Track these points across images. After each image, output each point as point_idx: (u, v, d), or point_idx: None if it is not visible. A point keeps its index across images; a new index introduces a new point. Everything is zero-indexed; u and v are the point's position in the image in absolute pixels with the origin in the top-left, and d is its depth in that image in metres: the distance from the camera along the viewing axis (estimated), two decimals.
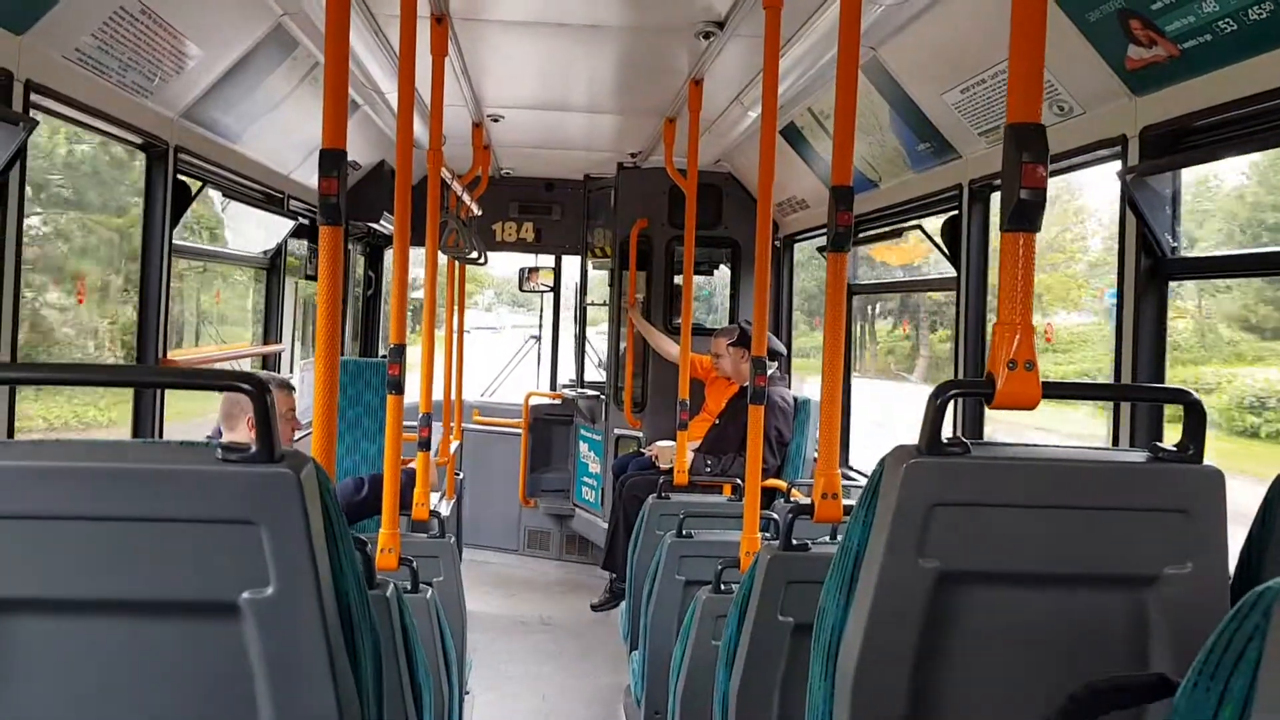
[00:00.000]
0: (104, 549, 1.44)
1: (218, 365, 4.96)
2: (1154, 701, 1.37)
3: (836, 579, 1.83)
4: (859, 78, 3.15)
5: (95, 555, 1.44)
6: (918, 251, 5.72)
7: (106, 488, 1.42)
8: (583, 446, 7.95)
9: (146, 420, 3.80)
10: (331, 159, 2.26)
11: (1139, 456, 1.77)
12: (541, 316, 9.20)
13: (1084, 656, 1.74)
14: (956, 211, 4.17)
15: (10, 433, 2.84)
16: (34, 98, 2.81)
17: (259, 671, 1.48)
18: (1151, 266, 3.04)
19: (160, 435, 3.85)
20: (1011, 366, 1.71)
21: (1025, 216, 1.71)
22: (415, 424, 4.32)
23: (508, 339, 10.88)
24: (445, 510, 5.07)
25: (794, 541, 2.65)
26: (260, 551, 1.44)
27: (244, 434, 3.60)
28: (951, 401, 1.76)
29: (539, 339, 9.24)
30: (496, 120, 6.07)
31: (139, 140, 3.63)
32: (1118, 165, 3.07)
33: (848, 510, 2.72)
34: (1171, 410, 3.01)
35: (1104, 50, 2.95)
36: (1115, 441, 3.10)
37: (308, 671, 1.47)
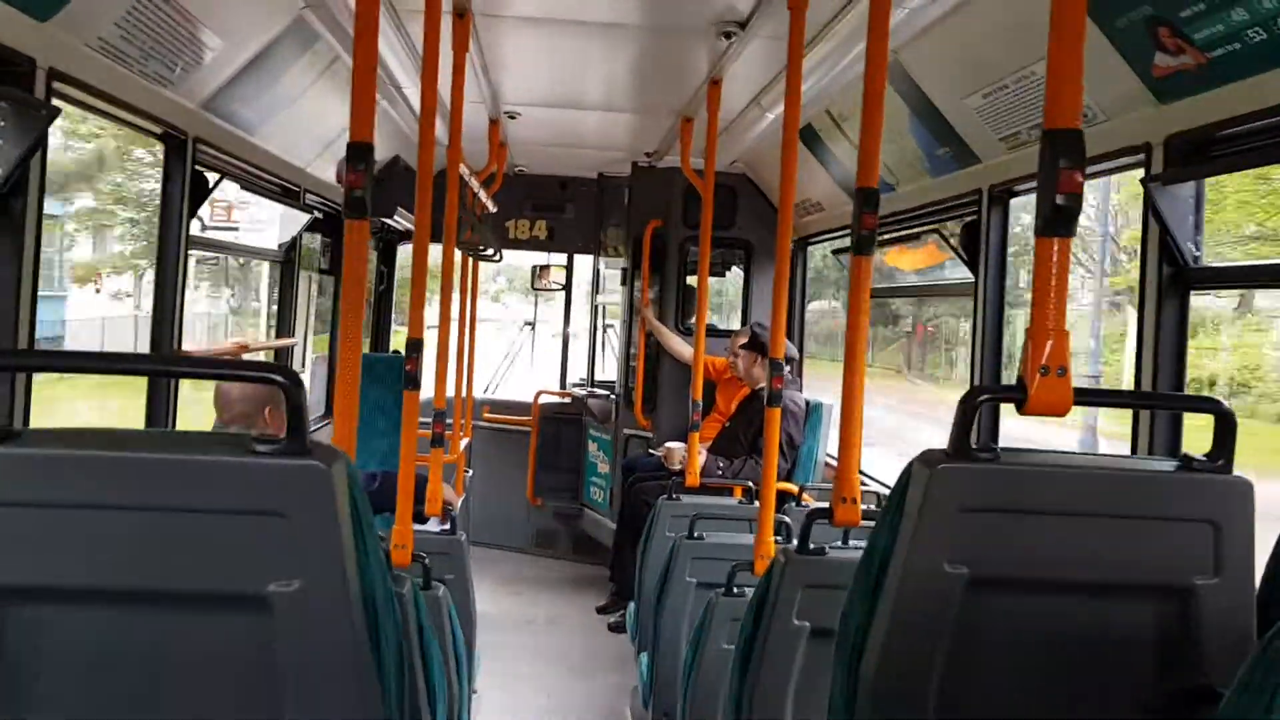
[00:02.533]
0: (132, 539, 1.43)
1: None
2: (1167, 712, 1.36)
3: (861, 583, 1.82)
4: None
5: (123, 545, 1.44)
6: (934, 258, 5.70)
7: (136, 477, 1.42)
8: (591, 446, 7.95)
9: (160, 412, 3.80)
10: (359, 152, 2.25)
11: (1169, 465, 1.75)
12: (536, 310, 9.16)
13: (1111, 666, 1.73)
14: (975, 217, 4.15)
15: (26, 420, 2.83)
16: (56, 85, 2.81)
17: (285, 663, 1.47)
18: (1174, 275, 3.03)
19: (173, 427, 3.84)
20: (1044, 372, 1.70)
21: (1061, 222, 1.70)
22: (428, 420, 4.32)
23: (514, 336, 10.59)
24: (458, 507, 5.06)
25: (810, 545, 2.64)
26: (288, 544, 1.43)
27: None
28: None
29: (533, 325, 9.21)
30: (513, 117, 6.07)
31: (158, 130, 3.63)
32: (1140, 173, 3.06)
33: (866, 515, 2.71)
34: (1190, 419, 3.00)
35: (1130, 57, 2.93)
36: (1135, 449, 3.08)
37: (333, 664, 1.46)
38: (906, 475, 1.74)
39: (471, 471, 6.94)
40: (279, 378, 1.45)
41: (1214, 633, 1.70)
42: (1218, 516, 1.70)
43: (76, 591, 1.45)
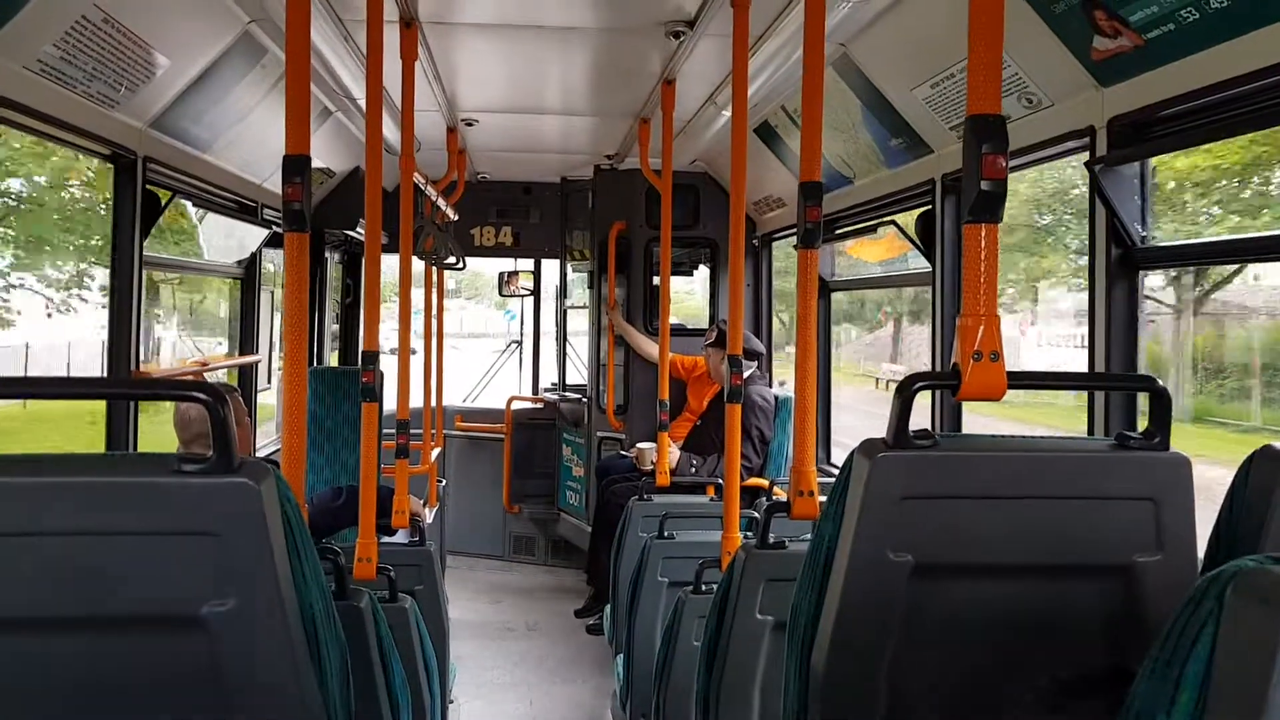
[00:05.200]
0: (61, 564, 1.42)
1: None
2: (1115, 691, 1.37)
3: (808, 575, 1.82)
4: (830, 74, 3.15)
5: (54, 572, 1.42)
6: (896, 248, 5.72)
7: (63, 502, 1.40)
8: (566, 450, 7.93)
9: (120, 434, 3.76)
10: (294, 165, 2.24)
11: (1106, 445, 1.76)
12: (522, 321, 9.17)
13: (1058, 647, 1.74)
14: (930, 206, 4.17)
15: None
16: None
17: (225, 682, 1.46)
18: (1122, 256, 3.05)
19: (134, 450, 3.81)
20: (977, 358, 1.71)
21: (986, 208, 1.71)
22: (394, 432, 4.29)
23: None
24: (428, 518, 5.04)
25: (772, 539, 2.65)
26: (220, 563, 1.42)
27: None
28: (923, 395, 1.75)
29: (520, 344, 9.23)
30: (471, 124, 6.06)
31: (106, 151, 3.60)
32: (1086, 156, 3.08)
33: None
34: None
35: (1070, 42, 2.95)
36: (1091, 432, 3.10)
37: (271, 684, 1.45)
38: (848, 466, 1.75)
39: (445, 481, 6.91)
40: (201, 395, 1.44)
41: (1159, 609, 1.71)
42: (1156, 494, 1.71)
43: (7, 621, 1.43)
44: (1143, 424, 2.95)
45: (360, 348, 7.76)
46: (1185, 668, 1.02)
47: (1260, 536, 1.75)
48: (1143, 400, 3.10)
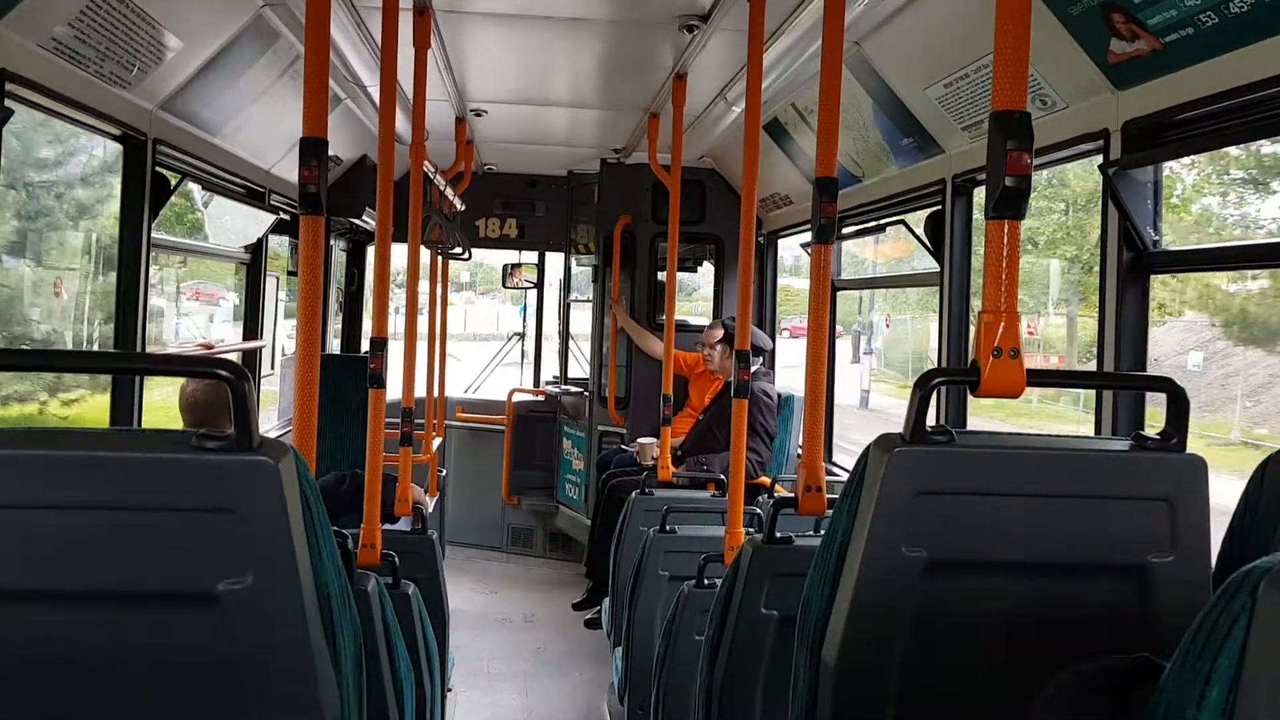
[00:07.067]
0: (80, 539, 1.41)
1: None
2: (1140, 685, 1.36)
3: (820, 569, 1.82)
4: (843, 72, 3.15)
5: (71, 545, 1.42)
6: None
7: (81, 476, 1.40)
8: (566, 443, 7.93)
9: (125, 411, 3.76)
10: (312, 147, 2.24)
11: (1123, 445, 1.76)
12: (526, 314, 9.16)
13: (1070, 645, 1.74)
14: (940, 206, 4.17)
15: None
16: (9, 87, 2.77)
17: (239, 661, 1.46)
18: (1134, 260, 3.05)
19: (139, 426, 3.81)
20: (996, 354, 1.71)
21: (1009, 204, 1.71)
22: (397, 420, 4.30)
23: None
24: (429, 507, 5.05)
25: (777, 535, 2.65)
26: (238, 541, 1.42)
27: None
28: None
29: (523, 336, 9.23)
30: (479, 115, 6.05)
31: (117, 132, 3.59)
32: (1099, 159, 3.08)
33: (832, 504, 2.72)
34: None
35: (1086, 44, 2.95)
36: (1098, 431, 3.10)
37: (286, 662, 1.45)
38: (864, 460, 1.75)
39: (445, 471, 6.91)
40: (223, 372, 1.44)
41: (1171, 610, 1.71)
42: (1172, 494, 1.71)
43: (23, 593, 1.43)
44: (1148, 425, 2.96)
45: (363, 335, 7.81)
46: (1216, 663, 1.02)
47: (1274, 539, 1.75)
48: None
